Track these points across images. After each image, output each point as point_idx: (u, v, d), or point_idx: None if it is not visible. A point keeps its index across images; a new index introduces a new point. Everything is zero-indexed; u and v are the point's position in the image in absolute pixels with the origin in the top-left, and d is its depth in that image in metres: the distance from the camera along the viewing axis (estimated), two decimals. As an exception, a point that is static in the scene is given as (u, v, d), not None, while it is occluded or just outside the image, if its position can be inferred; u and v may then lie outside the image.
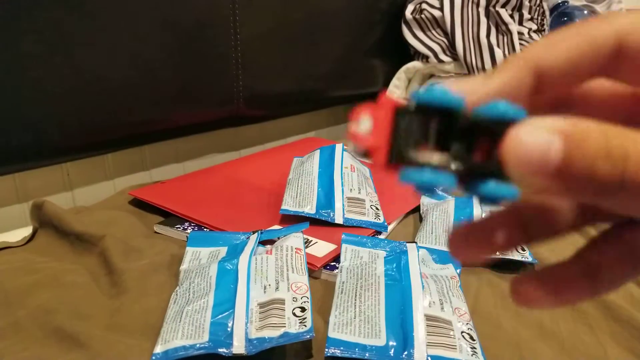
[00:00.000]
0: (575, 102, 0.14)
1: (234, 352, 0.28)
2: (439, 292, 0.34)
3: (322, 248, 0.41)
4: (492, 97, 0.12)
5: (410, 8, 0.83)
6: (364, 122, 0.11)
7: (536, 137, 0.11)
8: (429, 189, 0.11)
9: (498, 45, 0.75)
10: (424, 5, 0.81)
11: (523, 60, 0.12)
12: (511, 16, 0.77)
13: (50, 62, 0.45)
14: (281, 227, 0.44)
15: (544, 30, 0.81)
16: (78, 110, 0.48)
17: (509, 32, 0.76)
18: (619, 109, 0.14)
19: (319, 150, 0.53)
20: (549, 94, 0.13)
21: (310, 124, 0.84)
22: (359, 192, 0.49)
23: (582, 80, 0.13)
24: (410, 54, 0.86)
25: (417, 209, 0.52)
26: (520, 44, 0.75)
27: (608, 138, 0.11)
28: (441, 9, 0.80)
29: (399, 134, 0.11)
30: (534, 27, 0.78)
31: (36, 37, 0.44)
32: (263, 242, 0.40)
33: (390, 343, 0.30)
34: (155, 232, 0.45)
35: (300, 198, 0.47)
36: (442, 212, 0.47)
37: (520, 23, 0.77)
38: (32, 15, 0.43)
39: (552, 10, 0.84)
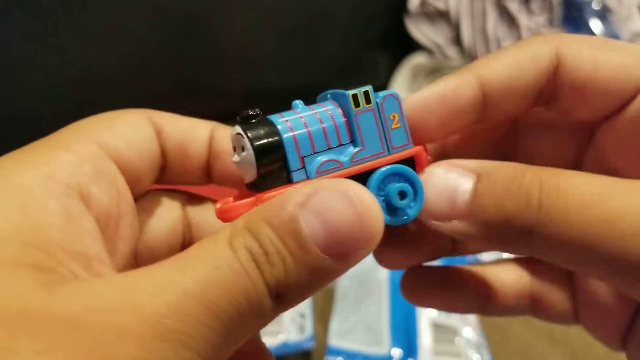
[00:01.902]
0: (523, 140, 0.14)
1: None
2: None
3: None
4: (434, 100, 0.12)
5: (414, 0, 0.82)
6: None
7: (445, 178, 0.11)
8: None
9: (506, 39, 0.74)
10: (429, -2, 0.80)
11: (468, 70, 0.12)
12: (520, 9, 0.75)
13: (38, 56, 0.45)
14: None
15: (553, 24, 0.79)
16: (68, 106, 0.47)
17: (518, 25, 0.74)
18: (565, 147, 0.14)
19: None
20: (499, 125, 0.14)
21: (311, 120, 0.82)
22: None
23: (524, 103, 0.12)
24: (414, 48, 0.85)
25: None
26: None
27: (522, 171, 0.10)
28: (447, 1, 0.78)
29: None
30: (543, 20, 0.76)
31: (24, 31, 0.43)
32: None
33: (394, 351, 0.29)
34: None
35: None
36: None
37: (529, 16, 0.76)
38: (20, 8, 0.42)
39: (561, 4, 0.83)
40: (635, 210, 0.09)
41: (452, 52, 0.79)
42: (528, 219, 0.10)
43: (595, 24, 0.77)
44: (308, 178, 0.11)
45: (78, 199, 0.11)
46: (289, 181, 0.11)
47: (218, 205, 0.11)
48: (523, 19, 0.74)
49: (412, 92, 0.73)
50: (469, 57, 0.76)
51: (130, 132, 0.13)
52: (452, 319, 0.31)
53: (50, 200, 0.10)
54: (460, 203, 0.11)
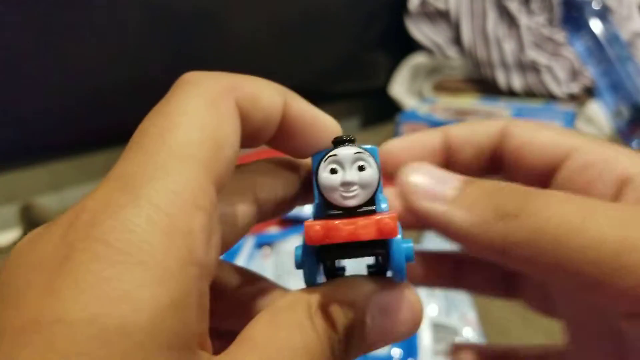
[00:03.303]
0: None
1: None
2: (445, 298, 0.33)
3: (322, 250, 0.40)
4: (407, 142, 0.15)
5: (414, 0, 0.82)
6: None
7: (434, 170, 0.13)
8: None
9: (506, 39, 0.74)
10: (429, -2, 0.79)
11: (434, 129, 0.15)
12: (520, 9, 0.75)
13: (37, 57, 0.44)
14: (279, 230, 0.43)
15: (552, 23, 0.79)
16: (67, 107, 0.47)
17: (518, 25, 0.74)
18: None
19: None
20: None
21: (311, 120, 0.82)
22: (361, 192, 0.47)
23: (480, 156, 0.15)
24: (414, 48, 0.84)
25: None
26: (529, 37, 0.74)
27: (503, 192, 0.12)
28: (447, 1, 0.78)
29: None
30: (543, 20, 0.76)
31: (23, 31, 0.43)
32: (260, 245, 0.39)
33: (394, 351, 0.29)
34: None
35: (300, 198, 0.46)
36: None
37: (529, 16, 0.76)
38: (19, 8, 0.42)
39: (561, 4, 0.83)
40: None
41: (452, 52, 0.78)
42: (516, 203, 0.11)
43: (595, 24, 0.77)
44: (380, 211, 0.11)
45: (206, 281, 0.10)
46: (375, 210, 0.11)
47: (381, 217, 0.11)
48: (523, 19, 0.73)
49: (412, 92, 0.73)
50: (469, 57, 0.76)
51: (232, 152, 0.11)
52: (452, 319, 0.31)
53: (192, 292, 0.09)
54: (450, 187, 0.12)
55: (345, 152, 0.11)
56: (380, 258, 0.12)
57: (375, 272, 0.12)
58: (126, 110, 0.51)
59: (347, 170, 0.11)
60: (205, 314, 0.10)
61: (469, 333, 0.30)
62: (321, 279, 0.12)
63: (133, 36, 0.51)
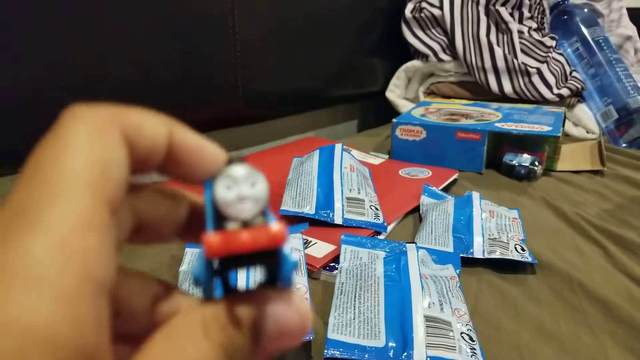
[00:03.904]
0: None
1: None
2: (438, 293, 0.34)
3: (321, 249, 0.41)
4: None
5: (410, 7, 0.83)
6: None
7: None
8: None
9: (498, 44, 0.75)
10: (424, 4, 0.81)
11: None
12: (511, 15, 0.76)
13: (43, 60, 0.45)
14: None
15: (544, 28, 0.80)
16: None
17: (509, 30, 0.75)
18: None
19: (318, 150, 0.53)
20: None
21: (310, 123, 0.83)
22: (359, 192, 0.49)
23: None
24: (410, 53, 0.86)
25: (416, 209, 0.51)
26: (520, 42, 0.75)
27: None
28: (441, 7, 0.79)
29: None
30: (534, 25, 0.78)
31: (25, 32, 0.43)
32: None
33: (390, 344, 0.29)
34: (155, 233, 0.45)
35: (300, 198, 0.47)
36: (441, 212, 0.47)
37: (520, 21, 0.77)
38: (23, 10, 0.43)
39: (552, 9, 0.84)
40: None
41: (446, 57, 0.80)
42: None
43: (585, 28, 0.78)
44: (270, 222, 0.12)
45: (104, 295, 0.10)
46: (266, 222, 0.12)
47: (274, 227, 0.12)
48: (514, 25, 0.75)
49: (407, 96, 0.75)
50: (463, 62, 0.77)
51: (121, 174, 0.12)
52: (445, 313, 0.32)
53: (89, 307, 0.10)
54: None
55: (239, 170, 0.12)
56: (271, 269, 0.13)
57: (266, 283, 0.13)
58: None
59: (241, 186, 0.12)
60: (104, 327, 0.10)
61: (462, 327, 0.31)
62: (219, 294, 0.13)
63: (138, 38, 0.51)
